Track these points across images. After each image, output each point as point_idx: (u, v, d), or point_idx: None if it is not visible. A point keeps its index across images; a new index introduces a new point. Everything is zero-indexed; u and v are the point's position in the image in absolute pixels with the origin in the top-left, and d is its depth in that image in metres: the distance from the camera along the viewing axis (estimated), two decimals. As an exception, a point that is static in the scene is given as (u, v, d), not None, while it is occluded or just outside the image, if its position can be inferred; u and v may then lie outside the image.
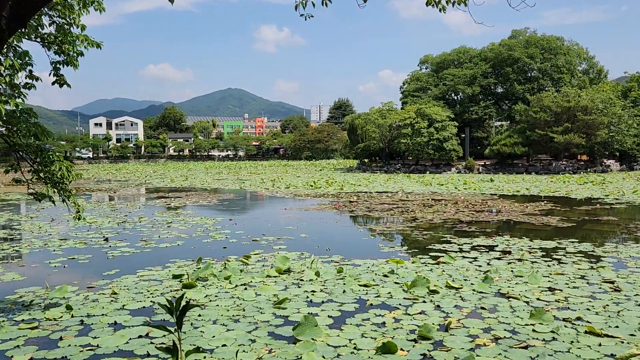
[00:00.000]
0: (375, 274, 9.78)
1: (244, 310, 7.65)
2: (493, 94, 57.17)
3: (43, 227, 16.55)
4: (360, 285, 8.96)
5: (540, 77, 53.07)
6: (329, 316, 7.35)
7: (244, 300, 8.21)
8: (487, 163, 49.79)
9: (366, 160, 58.62)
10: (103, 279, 9.84)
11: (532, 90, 52.54)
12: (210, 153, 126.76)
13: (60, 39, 6.32)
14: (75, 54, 6.47)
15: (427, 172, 49.32)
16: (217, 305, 7.93)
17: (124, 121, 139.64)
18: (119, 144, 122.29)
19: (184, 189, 33.86)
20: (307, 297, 8.35)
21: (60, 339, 6.61)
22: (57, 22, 6.17)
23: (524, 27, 58.51)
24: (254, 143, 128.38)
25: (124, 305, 8.02)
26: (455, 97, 58.88)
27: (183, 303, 5.40)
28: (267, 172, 54.80)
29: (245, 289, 8.89)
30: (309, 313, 7.41)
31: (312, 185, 33.55)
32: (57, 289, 8.57)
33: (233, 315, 7.43)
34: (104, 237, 14.49)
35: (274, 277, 9.71)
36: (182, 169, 70.86)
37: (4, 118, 6.74)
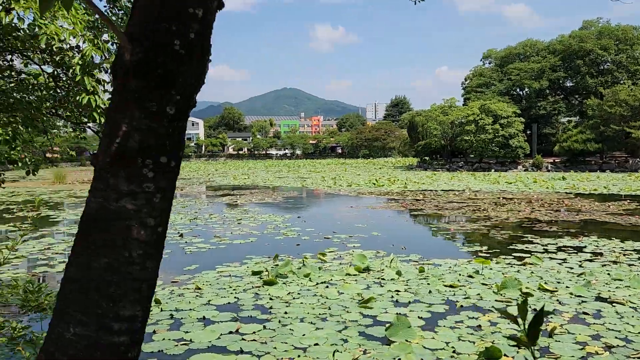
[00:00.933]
0: (460, 275, 9.38)
1: (329, 309, 7.49)
2: (562, 89, 54.57)
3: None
4: (445, 286, 8.60)
5: (614, 70, 50.10)
6: (419, 317, 7.07)
7: (327, 298, 8.06)
8: (556, 160, 47.56)
9: (427, 158, 57.51)
10: (184, 274, 9.98)
11: (606, 83, 49.69)
12: (268, 152, 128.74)
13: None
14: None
15: (492, 170, 47.71)
16: (302, 303, 7.81)
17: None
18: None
19: (247, 187, 34.36)
20: (392, 296, 8.09)
21: (154, 332, 6.68)
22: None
23: (597, 17, 55.44)
24: (311, 142, 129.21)
25: (209, 301, 8.06)
26: (521, 92, 56.66)
27: (529, 310, 5.25)
28: (326, 171, 54.84)
29: (327, 286, 8.75)
30: (397, 313, 7.16)
31: (374, 184, 33.18)
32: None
33: (320, 314, 7.28)
34: (179, 233, 14.80)
35: (354, 275, 9.51)
36: (242, 167, 72.20)
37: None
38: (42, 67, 7.32)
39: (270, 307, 7.68)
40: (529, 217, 16.87)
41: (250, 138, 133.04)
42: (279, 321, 7.01)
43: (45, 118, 5.91)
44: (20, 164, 5.38)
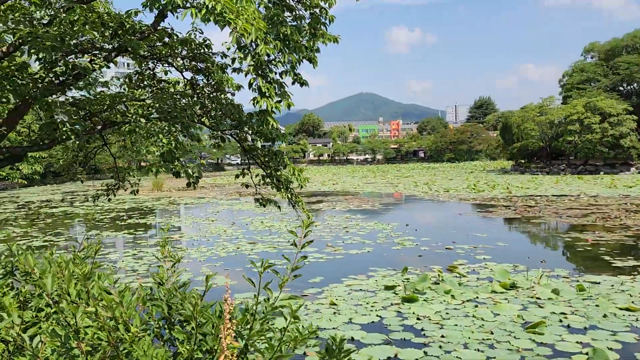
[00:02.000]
0: (630, 295, 8.11)
1: (492, 333, 6.61)
2: (678, 82, 49.37)
3: (227, 230, 17.15)
4: (620, 309, 7.41)
5: None
6: (608, 348, 6.00)
7: (483, 320, 7.17)
8: (675, 161, 42.98)
9: (522, 161, 54.25)
10: (311, 286, 9.49)
11: None
12: (348, 157, 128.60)
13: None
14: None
15: (601, 173, 43.98)
16: (457, 325, 6.99)
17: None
18: (265, 150, 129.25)
19: (339, 193, 33.90)
20: (560, 320, 7.05)
21: (305, 354, 6.15)
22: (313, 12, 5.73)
23: None
24: (392, 146, 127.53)
25: (350, 319, 7.46)
26: (630, 88, 51.98)
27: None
28: (414, 175, 53.32)
29: (476, 305, 7.85)
30: (578, 342, 6.14)
31: (473, 189, 31.49)
32: (284, 297, 8.27)
33: (483, 339, 6.42)
34: (291, 243, 14.42)
35: (501, 293, 8.53)
36: (326, 173, 72.20)
37: (244, 119, 6.52)
38: (183, 73, 7.11)
39: (422, 329, 6.93)
40: (675, 225, 14.87)
41: (331, 144, 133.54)
42: (440, 347, 6.24)
43: (197, 126, 5.58)
44: (184, 175, 5.05)
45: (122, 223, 20.29)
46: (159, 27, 5.49)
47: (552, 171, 48.19)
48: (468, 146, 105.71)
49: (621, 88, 51.84)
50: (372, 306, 8.06)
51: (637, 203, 21.16)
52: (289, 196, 7.26)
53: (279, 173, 7.23)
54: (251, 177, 7.78)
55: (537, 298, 8.11)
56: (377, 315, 7.57)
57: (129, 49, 5.18)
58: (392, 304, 8.13)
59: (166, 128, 5.01)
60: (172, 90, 7.11)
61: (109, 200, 8.58)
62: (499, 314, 7.39)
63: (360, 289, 9.14)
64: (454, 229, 16.30)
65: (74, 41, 4.64)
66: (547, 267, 10.35)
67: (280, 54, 4.54)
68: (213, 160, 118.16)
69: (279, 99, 4.54)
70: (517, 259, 11.37)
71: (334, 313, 7.78)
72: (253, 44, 4.29)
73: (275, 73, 5.03)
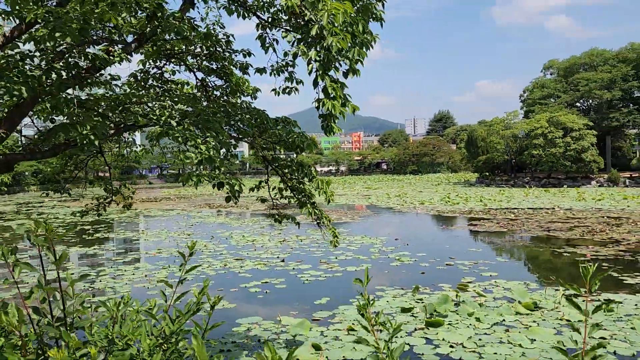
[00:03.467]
0: (661, 316, 7.76)
1: (539, 363, 6.06)
2: (633, 99, 51.34)
3: (208, 245, 16.18)
4: (660, 332, 7.02)
5: (695, 78, 46.78)
6: (672, 379, 5.54)
7: (521, 347, 6.63)
8: (634, 175, 44.48)
9: (487, 173, 55.06)
10: (319, 308, 8.76)
11: (686, 92, 46.38)
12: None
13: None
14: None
15: (565, 186, 45.02)
16: (496, 354, 6.41)
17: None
18: (226, 161, 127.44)
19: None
20: (604, 346, 6.57)
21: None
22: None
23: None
24: (355, 158, 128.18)
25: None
26: (588, 104, 53.75)
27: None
28: (383, 187, 53.26)
29: (506, 330, 7.32)
30: (637, 372, 5.67)
31: (448, 201, 31.44)
32: (298, 324, 7.52)
33: (533, 370, 5.86)
34: (281, 259, 13.64)
35: (527, 314, 8.04)
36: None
37: (269, 126, 5.79)
38: (195, 73, 6.32)
39: (460, 358, 6.31)
40: (663, 239, 14.92)
41: (294, 155, 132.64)
42: (490, 380, 5.63)
43: (226, 133, 4.82)
44: (227, 187, 4.28)
45: (89, 237, 18.94)
46: (184, 17, 4.72)
47: (516, 184, 49.06)
48: (430, 158, 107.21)
49: (578, 104, 53.54)
50: (395, 332, 7.39)
51: (613, 216, 21.40)
52: (314, 212, 6.54)
53: (303, 186, 6.53)
54: (269, 190, 7.05)
55: (567, 320, 7.66)
56: (406, 343, 6.91)
57: (153, 37, 4.40)
58: (415, 329, 7.50)
59: (200, 133, 4.23)
60: (180, 92, 6.31)
61: (99, 215, 7.63)
62: (535, 339, 6.87)
63: (375, 312, 8.46)
64: (446, 243, 15.90)
65: (99, 26, 3.84)
66: (558, 285, 9.97)
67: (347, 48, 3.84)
68: (174, 171, 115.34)
69: (343, 101, 3.86)
70: (523, 275, 11.00)
71: (357, 342, 7.06)
72: (324, 32, 3.58)
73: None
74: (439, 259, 12.94)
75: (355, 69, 3.92)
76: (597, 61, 53.99)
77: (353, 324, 7.79)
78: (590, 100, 53.40)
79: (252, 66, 6.13)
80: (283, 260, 13.28)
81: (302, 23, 4.01)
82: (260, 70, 5.91)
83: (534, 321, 7.70)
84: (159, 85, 6.25)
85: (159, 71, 6.20)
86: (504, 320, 7.79)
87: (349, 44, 3.74)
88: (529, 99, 57.75)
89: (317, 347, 6.80)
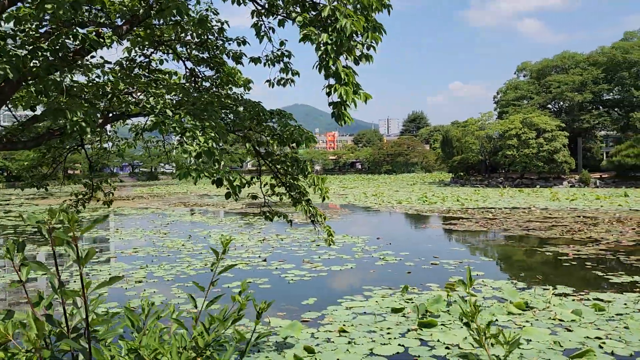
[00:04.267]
0: (652, 315, 7.76)
1: (539, 364, 5.94)
2: (602, 102, 52.58)
3: (186, 244, 15.74)
4: (653, 331, 7.00)
5: (662, 82, 48.14)
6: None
7: (519, 348, 6.50)
8: (603, 176, 45.55)
9: (461, 173, 55.61)
10: (307, 309, 8.51)
11: (653, 95, 47.67)
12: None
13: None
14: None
15: (538, 186, 45.77)
16: (493, 355, 6.26)
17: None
18: (200, 160, 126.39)
19: (287, 203, 32.87)
20: (600, 346, 6.51)
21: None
22: None
23: (639, 28, 53.65)
24: (330, 157, 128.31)
25: (371, 350, 6.56)
26: (560, 106, 54.82)
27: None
28: (358, 187, 53.27)
29: (501, 330, 7.17)
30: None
31: (425, 201, 31.55)
32: (289, 326, 7.24)
33: (533, 372, 5.72)
34: (262, 258, 13.33)
35: (519, 314, 7.95)
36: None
37: (263, 118, 5.51)
38: (185, 63, 5.98)
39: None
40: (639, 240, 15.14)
41: (287, 150, 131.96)
42: (492, 383, 5.47)
43: (222, 124, 4.51)
44: (226, 183, 3.98)
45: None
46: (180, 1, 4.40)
47: (490, 184, 49.69)
48: (405, 158, 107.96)
49: (549, 106, 54.58)
50: (388, 333, 7.20)
51: (589, 216, 21.74)
52: (309, 209, 6.28)
53: (298, 183, 6.27)
54: (260, 187, 6.78)
55: (560, 320, 7.59)
56: (400, 345, 6.72)
57: (146, 20, 4.07)
58: (409, 330, 7.31)
59: (198, 124, 3.92)
60: (168, 82, 5.95)
61: (77, 213, 7.21)
62: (531, 340, 6.76)
63: (365, 312, 8.27)
64: (428, 242, 15.85)
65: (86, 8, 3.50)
66: (546, 284, 9.95)
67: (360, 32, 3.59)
68: (146, 169, 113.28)
69: (355, 89, 3.61)
70: (509, 274, 10.96)
71: (349, 342, 6.85)
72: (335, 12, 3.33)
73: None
74: (424, 259, 12.83)
75: (368, 54, 3.68)
76: (568, 64, 55.11)
77: (344, 325, 7.56)
78: (562, 102, 54.49)
79: (246, 55, 5.83)
80: (265, 260, 12.97)
81: (310, 4, 3.75)
82: (255, 60, 5.62)
83: (527, 321, 7.61)
84: (146, 74, 5.89)
85: (146, 59, 5.84)
86: (496, 320, 7.68)
87: (363, 27, 3.49)
88: (503, 100, 58.59)
89: (309, 350, 6.54)
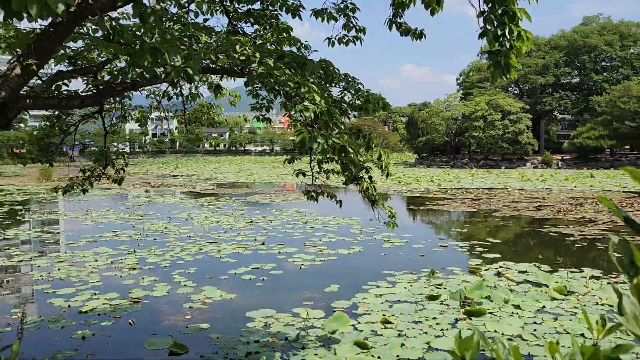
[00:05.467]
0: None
1: (618, 356, 5.46)
2: (562, 85, 53.82)
3: (169, 227, 14.67)
4: None
5: (619, 66, 49.69)
6: None
7: (585, 337, 6.03)
8: (565, 158, 46.78)
9: (426, 154, 55.91)
10: (335, 297, 7.79)
11: (611, 79, 49.17)
12: (246, 148, 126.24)
13: None
14: None
15: (502, 167, 46.53)
16: (564, 347, 5.76)
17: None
18: (155, 139, 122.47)
19: (260, 183, 31.94)
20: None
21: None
22: None
23: (597, 13, 55.09)
24: (290, 137, 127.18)
25: (428, 344, 5.92)
26: (522, 88, 55.76)
27: None
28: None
29: (555, 318, 6.72)
30: None
31: (400, 181, 31.29)
32: (334, 318, 6.48)
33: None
34: (260, 241, 12.49)
35: (563, 300, 7.52)
36: (230, 163, 69.41)
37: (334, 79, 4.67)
38: (230, 14, 5.02)
39: (529, 354, 5.60)
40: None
41: (227, 134, 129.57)
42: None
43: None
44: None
45: (25, 219, 16.74)
46: None
47: (456, 165, 50.21)
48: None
49: (510, 88, 55.46)
50: (437, 323, 6.59)
51: (570, 196, 21.95)
52: (369, 190, 5.52)
53: (361, 158, 5.48)
54: (310, 163, 5.97)
55: (610, 306, 7.19)
56: (450, 336, 6.11)
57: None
58: (457, 320, 6.73)
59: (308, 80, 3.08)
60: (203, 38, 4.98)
61: (84, 192, 6.15)
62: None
63: (399, 300, 7.63)
64: (424, 223, 15.43)
65: None
66: (571, 266, 9.62)
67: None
68: (96, 148, 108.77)
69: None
70: (528, 257, 10.59)
71: (399, 335, 6.20)
72: None
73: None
74: (430, 240, 12.34)
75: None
76: (530, 46, 55.91)
77: (384, 315, 6.90)
78: (524, 85, 55.42)
79: (304, 8, 4.92)
80: (263, 243, 12.13)
81: None
82: (319, 13, 4.74)
83: (575, 307, 7.18)
84: (181, 29, 4.89)
85: (183, 9, 4.84)
86: (543, 307, 7.21)
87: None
88: (466, 82, 59.08)
89: (362, 345, 5.84)
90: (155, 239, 12.77)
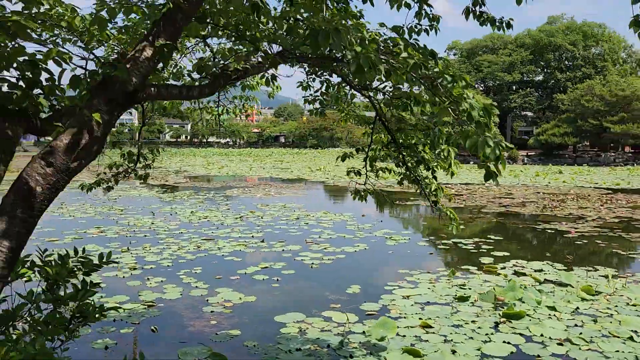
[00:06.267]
0: None
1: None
2: (527, 83, 55.19)
3: (155, 222, 13.97)
4: None
5: (582, 65, 51.29)
6: None
7: (634, 341, 5.92)
8: (530, 154, 48.01)
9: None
10: (362, 300, 7.45)
11: (575, 78, 50.70)
12: (209, 140, 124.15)
13: None
14: None
15: (471, 162, 47.26)
16: (617, 352, 5.63)
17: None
18: (114, 129, 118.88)
19: (234, 177, 31.24)
20: None
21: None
22: None
23: (561, 13, 56.68)
24: (254, 130, 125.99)
25: (479, 349, 5.67)
26: (486, 84, 56.87)
27: None
28: (296, 161, 52.24)
29: (594, 320, 6.60)
30: None
31: (376, 177, 31.14)
32: (379, 324, 6.12)
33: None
34: (260, 239, 12.01)
35: (594, 300, 7.44)
36: (195, 156, 67.97)
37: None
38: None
39: (587, 359, 5.44)
40: (624, 216, 15.52)
41: (189, 125, 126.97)
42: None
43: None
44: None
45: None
46: None
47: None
48: (330, 133, 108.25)
49: (475, 85, 56.52)
50: (478, 327, 6.36)
51: (548, 192, 22.37)
52: (437, 192, 5.21)
53: (426, 156, 5.16)
54: (366, 160, 5.62)
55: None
56: (505, 342, 5.89)
57: None
58: (497, 323, 6.51)
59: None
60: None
61: (109, 190, 5.56)
62: (637, 331, 6.21)
63: (428, 302, 7.37)
64: (418, 219, 15.28)
65: None
66: (585, 265, 9.63)
67: None
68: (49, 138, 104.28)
69: None
70: (536, 255, 10.56)
71: (446, 341, 5.92)
72: None
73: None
74: (432, 237, 12.19)
75: None
76: (497, 44, 57.10)
77: (421, 318, 6.62)
78: (491, 82, 56.52)
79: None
80: (263, 241, 11.66)
81: None
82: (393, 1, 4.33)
83: (608, 308, 7.10)
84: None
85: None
86: (577, 308, 7.09)
87: None
88: (434, 77, 59.63)
89: (413, 353, 5.53)
90: (145, 236, 12.09)
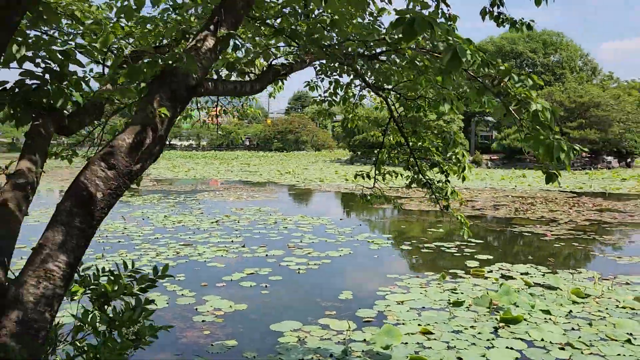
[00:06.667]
0: (703, 298, 7.76)
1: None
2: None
3: (127, 227, 13.45)
4: None
5: (543, 72, 52.79)
6: None
7: (632, 344, 5.98)
8: (493, 158, 49.04)
9: (359, 152, 56.44)
10: (356, 306, 7.29)
11: (535, 85, 52.06)
12: (171, 142, 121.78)
13: None
14: None
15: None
16: (619, 355, 5.67)
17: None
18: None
19: (202, 180, 30.63)
20: (703, 336, 6.21)
21: None
22: None
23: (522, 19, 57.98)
24: (220, 133, 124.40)
25: (484, 356, 5.61)
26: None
27: None
28: (262, 164, 51.75)
29: (590, 324, 6.66)
30: None
31: (347, 179, 31.22)
32: (384, 332, 5.96)
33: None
34: (241, 244, 11.70)
35: (583, 304, 7.52)
36: (160, 158, 66.34)
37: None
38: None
39: (592, 364, 5.45)
40: (594, 219, 15.93)
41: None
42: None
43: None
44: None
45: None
46: None
47: (391, 163, 51.05)
48: (295, 136, 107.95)
49: (447, 90, 57.46)
50: (478, 333, 6.30)
51: (516, 196, 22.83)
52: (450, 195, 5.11)
53: (439, 159, 5.05)
54: (376, 163, 5.49)
55: (631, 308, 7.27)
56: (509, 347, 5.85)
57: None
58: (496, 328, 6.48)
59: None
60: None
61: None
62: (631, 333, 6.28)
63: (424, 307, 7.28)
64: (397, 223, 15.25)
65: None
66: (568, 268, 9.77)
67: None
68: (6, 140, 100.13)
69: None
70: (518, 258, 10.67)
71: (449, 348, 5.83)
72: None
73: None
74: (414, 241, 12.14)
75: None
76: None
77: (419, 324, 6.52)
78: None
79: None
80: (244, 246, 11.37)
81: None
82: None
83: (600, 310, 7.18)
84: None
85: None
86: (570, 311, 7.15)
87: None
88: (400, 82, 60.31)
89: (420, 362, 5.41)
90: (119, 242, 11.58)
